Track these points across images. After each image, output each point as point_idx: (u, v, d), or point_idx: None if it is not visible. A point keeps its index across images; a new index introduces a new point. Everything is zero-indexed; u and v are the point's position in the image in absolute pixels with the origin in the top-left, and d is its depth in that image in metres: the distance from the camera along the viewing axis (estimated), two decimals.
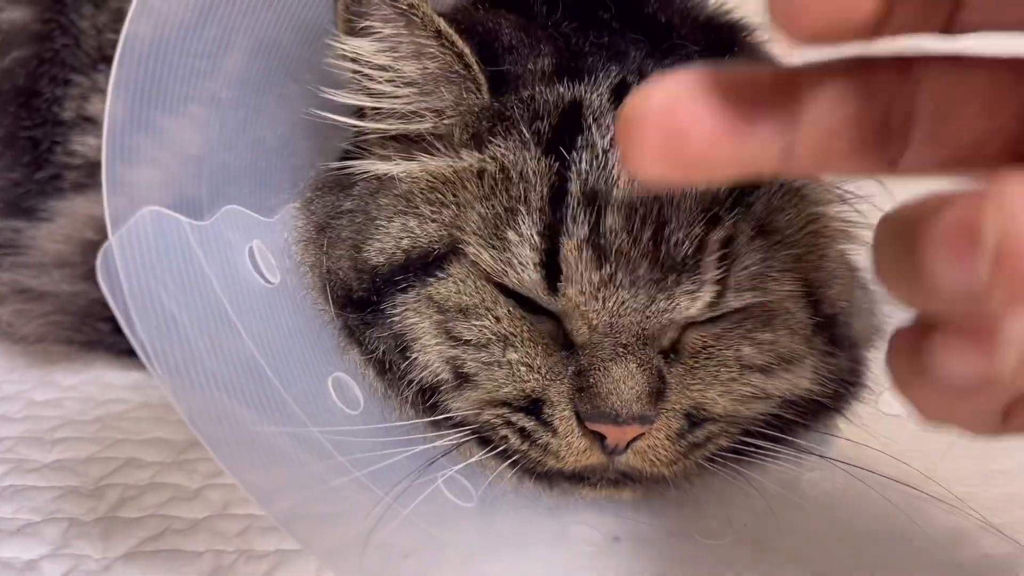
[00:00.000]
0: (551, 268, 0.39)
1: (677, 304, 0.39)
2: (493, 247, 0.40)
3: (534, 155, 0.40)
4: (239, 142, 0.44)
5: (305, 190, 0.47)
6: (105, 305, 0.50)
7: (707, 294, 0.40)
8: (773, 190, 0.42)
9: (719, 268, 0.40)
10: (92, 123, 0.63)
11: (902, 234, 0.25)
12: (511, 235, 0.40)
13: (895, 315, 0.49)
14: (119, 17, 0.65)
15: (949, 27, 0.26)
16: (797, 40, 0.25)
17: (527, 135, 0.41)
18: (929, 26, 0.26)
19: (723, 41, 0.49)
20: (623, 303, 0.39)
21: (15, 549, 0.43)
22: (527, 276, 0.40)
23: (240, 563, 0.42)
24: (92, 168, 0.62)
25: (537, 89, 0.42)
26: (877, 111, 0.27)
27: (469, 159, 0.42)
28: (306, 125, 0.45)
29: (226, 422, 0.36)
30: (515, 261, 0.40)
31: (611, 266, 0.39)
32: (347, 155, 0.46)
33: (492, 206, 0.41)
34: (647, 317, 0.39)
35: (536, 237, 0.39)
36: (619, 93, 0.42)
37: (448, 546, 0.41)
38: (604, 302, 0.39)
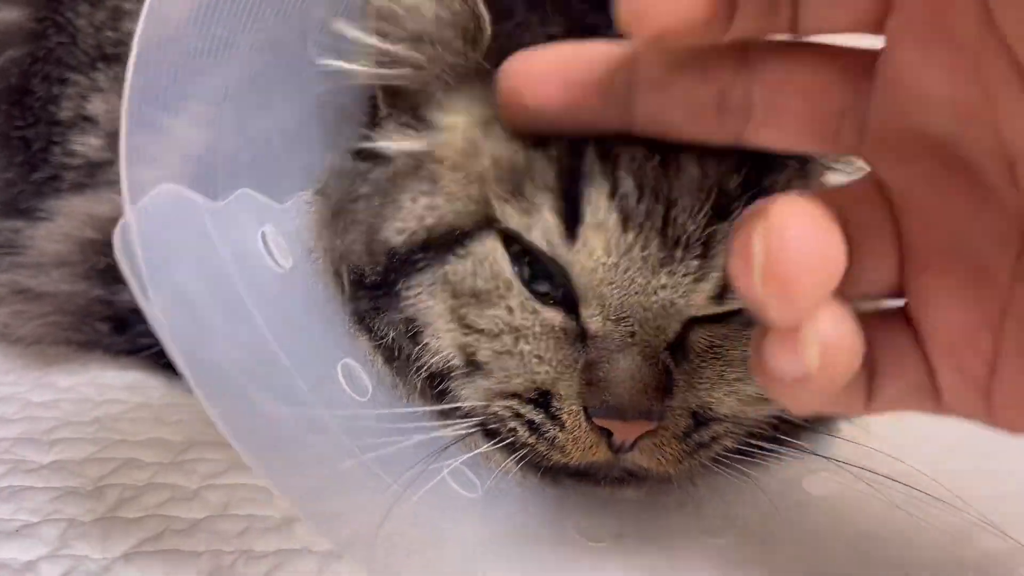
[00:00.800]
0: (571, 214, 0.39)
1: (682, 286, 0.39)
2: (515, 199, 0.39)
3: None
4: (248, 135, 0.44)
5: (320, 176, 0.46)
6: (104, 305, 0.50)
7: (714, 281, 0.39)
8: (779, 188, 0.42)
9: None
10: (91, 122, 0.63)
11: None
12: (528, 185, 0.39)
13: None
14: (117, 15, 0.65)
15: (793, 29, 0.30)
16: (645, 38, 0.29)
17: None
18: (774, 27, 0.30)
19: None
20: (634, 278, 0.39)
21: (13, 550, 0.42)
22: (547, 220, 0.39)
23: (240, 564, 0.42)
24: (91, 168, 0.62)
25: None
26: (711, 94, 0.32)
27: (478, 108, 0.41)
28: (319, 114, 0.45)
29: (243, 407, 0.35)
30: (533, 209, 0.39)
31: (631, 231, 0.38)
32: (365, 137, 0.45)
33: (509, 154, 0.40)
34: (653, 299, 0.39)
35: (555, 178, 0.39)
36: None
37: (450, 541, 0.41)
38: (619, 271, 0.39)
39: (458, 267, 0.41)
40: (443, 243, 0.42)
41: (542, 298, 0.41)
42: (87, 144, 0.62)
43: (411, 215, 0.42)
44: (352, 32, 0.42)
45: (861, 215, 0.30)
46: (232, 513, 0.45)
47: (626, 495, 0.44)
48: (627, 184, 0.38)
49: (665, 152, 0.38)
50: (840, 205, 0.29)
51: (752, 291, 0.26)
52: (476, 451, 0.42)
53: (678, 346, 0.41)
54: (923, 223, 0.30)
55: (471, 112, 0.42)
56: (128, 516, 0.45)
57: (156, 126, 0.40)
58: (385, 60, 0.43)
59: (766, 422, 0.44)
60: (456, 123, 0.43)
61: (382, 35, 0.42)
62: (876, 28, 0.29)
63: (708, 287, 0.40)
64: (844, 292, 0.28)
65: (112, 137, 0.62)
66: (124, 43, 0.63)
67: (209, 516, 0.45)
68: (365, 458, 0.37)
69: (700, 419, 0.41)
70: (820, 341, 0.27)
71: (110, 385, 0.60)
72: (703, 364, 0.41)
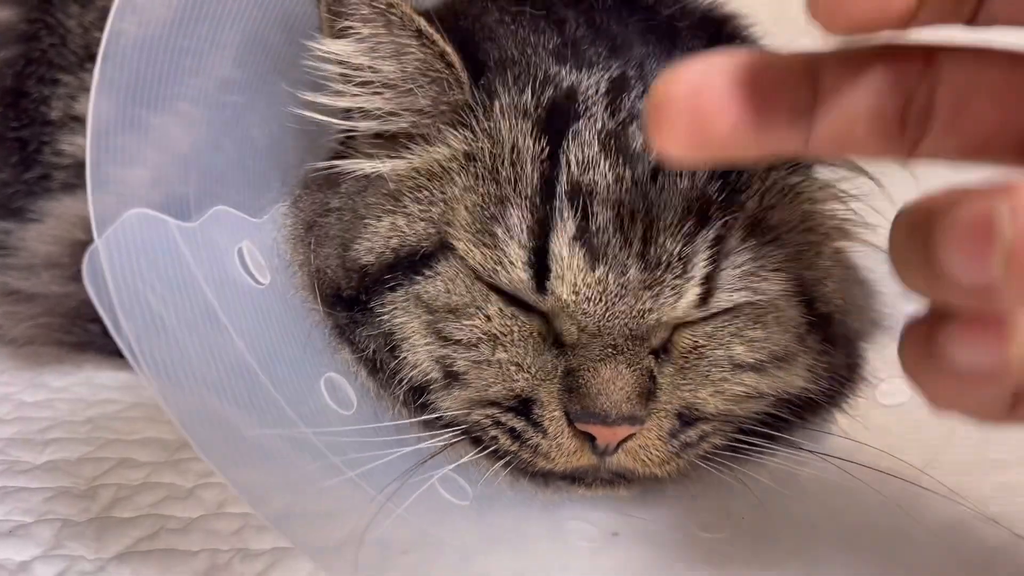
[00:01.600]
0: (540, 267, 0.39)
1: (665, 304, 0.39)
2: (484, 244, 0.40)
3: (527, 131, 0.40)
4: (228, 141, 0.44)
5: (294, 188, 0.46)
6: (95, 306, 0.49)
7: (696, 294, 0.39)
8: (766, 187, 0.42)
9: (709, 267, 0.39)
10: (80, 123, 0.62)
11: (918, 228, 0.25)
12: (499, 231, 0.39)
13: (893, 309, 0.50)
14: (106, 16, 0.65)
15: (974, 20, 0.27)
16: (834, 32, 0.26)
17: (519, 110, 0.40)
18: (956, 18, 0.27)
19: (723, 35, 0.49)
20: (612, 304, 0.39)
21: (8, 551, 0.42)
22: (516, 275, 0.39)
23: (236, 562, 0.42)
24: (81, 168, 0.61)
25: (532, 71, 0.42)
26: (898, 100, 0.28)
27: (457, 143, 0.42)
28: (296, 124, 0.45)
29: (216, 423, 0.36)
30: (504, 259, 0.39)
31: (601, 266, 0.38)
32: (335, 154, 0.46)
33: (481, 195, 0.40)
34: (635, 318, 0.39)
35: (525, 233, 0.39)
36: (617, 86, 0.41)
37: (445, 543, 0.41)
38: (592, 303, 0.39)
39: (429, 287, 0.41)
40: (409, 264, 0.42)
41: (520, 304, 0.41)
42: (76, 144, 0.62)
43: (377, 235, 0.42)
44: (319, 99, 0.43)
45: None
46: (227, 512, 0.46)
47: (619, 495, 0.44)
48: (602, 217, 0.38)
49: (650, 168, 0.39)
50: None
51: (983, 275, 0.23)
52: (461, 460, 0.42)
53: (661, 348, 0.41)
54: None
55: (452, 145, 0.42)
56: (122, 516, 0.45)
57: (141, 125, 0.40)
58: (356, 113, 0.43)
59: (756, 419, 0.44)
60: (432, 152, 0.43)
61: (350, 93, 0.42)
62: None
63: (693, 297, 0.39)
64: None
65: (99, 138, 0.62)
66: None
67: (204, 515, 0.45)
68: (351, 474, 0.37)
69: (686, 419, 0.41)
70: None
71: (104, 385, 0.60)
72: (687, 365, 0.41)
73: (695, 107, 0.28)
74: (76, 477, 0.48)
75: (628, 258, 0.38)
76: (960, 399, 0.27)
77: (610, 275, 0.38)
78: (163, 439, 0.53)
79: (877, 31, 0.26)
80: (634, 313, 0.39)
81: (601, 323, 0.39)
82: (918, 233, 0.25)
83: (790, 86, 0.29)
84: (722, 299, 0.40)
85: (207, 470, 0.49)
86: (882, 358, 0.49)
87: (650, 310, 0.39)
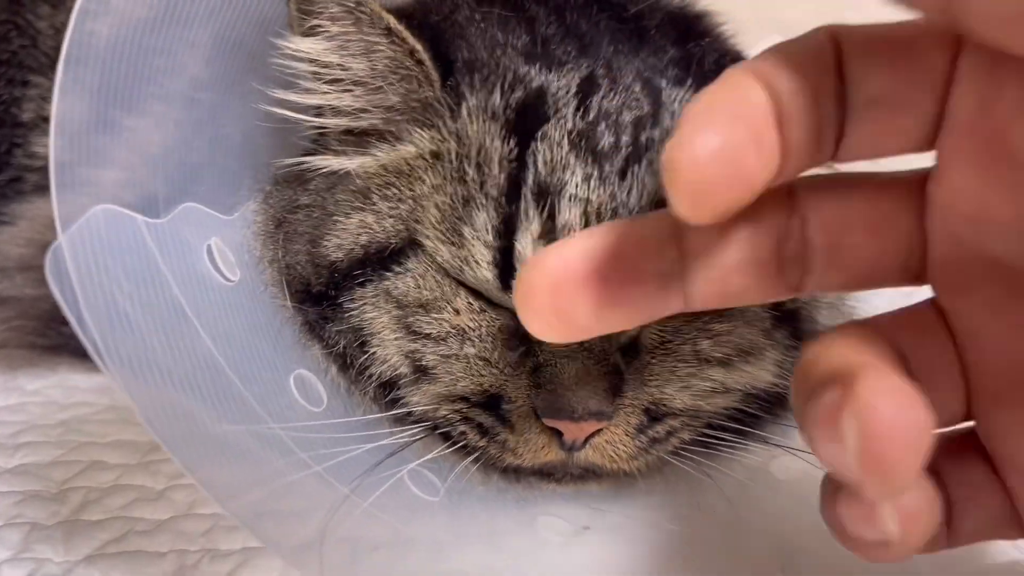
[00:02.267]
0: (505, 266, 0.39)
1: None
2: (451, 243, 0.40)
3: (495, 132, 0.40)
4: (200, 139, 0.44)
5: (264, 184, 0.46)
6: None
7: None
8: None
9: None
10: None
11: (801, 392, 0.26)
12: (466, 231, 0.40)
13: (864, 304, 0.50)
14: None
15: (836, 158, 0.27)
16: (703, 222, 0.25)
17: (488, 111, 0.41)
18: (819, 160, 0.27)
19: (692, 32, 0.50)
20: None
21: None
22: (481, 274, 0.40)
23: (204, 562, 0.41)
24: None
25: (502, 72, 0.42)
26: (767, 246, 0.28)
27: (424, 143, 0.42)
28: (269, 122, 0.44)
29: (184, 420, 0.35)
30: (470, 258, 0.40)
31: None
32: (305, 151, 0.46)
33: (449, 195, 0.40)
34: None
35: (490, 233, 0.39)
36: (586, 86, 0.42)
37: (416, 539, 0.41)
38: None
39: (399, 283, 0.42)
40: (379, 260, 0.42)
41: (488, 299, 0.41)
42: (48, 146, 0.61)
43: (346, 231, 0.43)
44: (290, 97, 0.43)
45: (923, 347, 0.28)
46: (197, 512, 0.45)
47: (589, 490, 0.44)
48: (568, 215, 0.38)
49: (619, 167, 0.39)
50: (900, 335, 0.28)
51: (845, 472, 0.24)
52: (429, 455, 0.42)
53: (628, 344, 0.41)
54: (989, 354, 0.28)
55: (419, 145, 0.42)
56: (91, 518, 0.45)
57: (114, 126, 0.40)
58: (327, 111, 0.43)
59: (725, 414, 0.44)
60: (400, 151, 0.43)
61: (320, 91, 0.42)
62: (925, 148, 0.27)
63: None
64: None
65: (73, 139, 0.62)
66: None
67: (174, 516, 0.45)
68: (317, 468, 0.37)
69: (654, 415, 0.41)
70: (898, 508, 0.26)
71: (77, 388, 0.60)
72: (654, 360, 0.41)
73: (555, 300, 0.28)
74: (46, 480, 0.48)
75: None
76: (878, 559, 0.28)
77: None
78: (135, 441, 0.52)
79: (743, 206, 0.26)
80: None
81: None
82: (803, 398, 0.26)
83: (653, 253, 0.28)
84: None
85: (178, 471, 0.49)
86: None
87: None
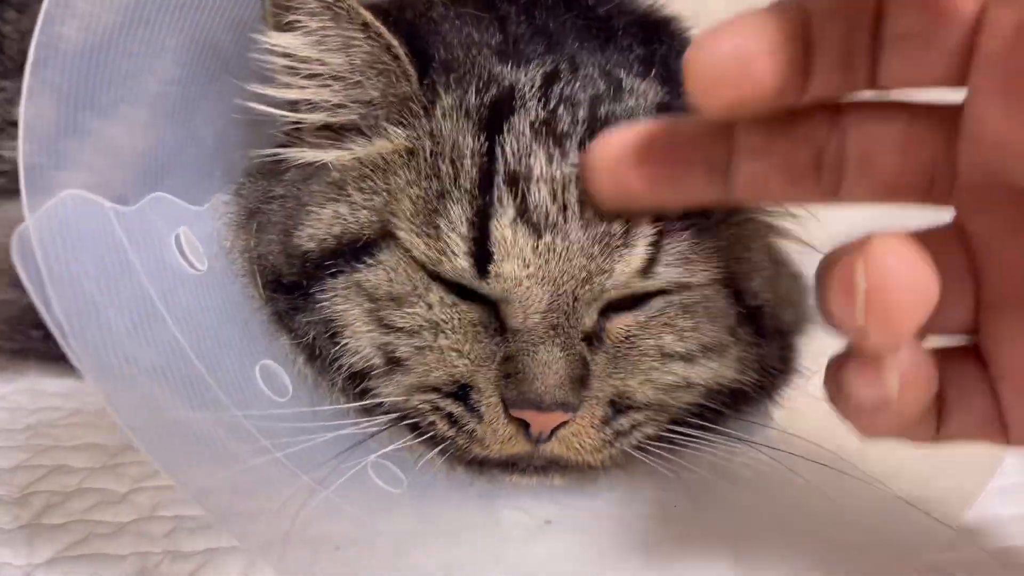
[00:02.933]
0: (481, 255, 0.40)
1: (611, 266, 0.40)
2: (427, 235, 0.41)
3: (468, 129, 0.41)
4: (172, 138, 0.44)
5: (237, 176, 0.46)
6: (37, 311, 0.49)
7: (641, 258, 0.40)
8: None
9: (652, 235, 0.40)
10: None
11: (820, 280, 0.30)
12: (442, 223, 0.40)
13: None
14: None
15: (872, 84, 0.30)
16: (717, 113, 0.29)
17: (462, 110, 0.41)
18: (853, 85, 0.30)
19: (659, 34, 0.50)
20: (562, 270, 0.39)
21: None
22: (458, 264, 0.40)
23: (166, 564, 0.41)
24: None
25: (474, 71, 0.42)
26: (808, 154, 0.32)
27: (399, 139, 0.42)
28: (245, 116, 0.45)
29: (150, 408, 0.35)
30: (447, 250, 0.40)
31: (547, 234, 0.39)
32: (280, 143, 0.46)
33: (423, 189, 0.41)
34: (583, 282, 0.40)
35: (465, 225, 0.40)
36: (550, 79, 0.42)
37: (380, 535, 0.41)
38: (541, 275, 0.39)
39: (370, 276, 0.42)
40: (351, 252, 0.42)
41: (461, 292, 0.41)
42: (16, 149, 0.61)
43: (320, 222, 0.43)
44: (267, 91, 0.43)
45: (942, 259, 0.30)
46: (160, 515, 0.45)
47: (553, 482, 0.45)
48: (539, 195, 0.39)
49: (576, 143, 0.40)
50: (924, 247, 0.30)
51: (852, 321, 0.27)
52: (395, 445, 0.42)
53: (595, 337, 0.41)
54: (1002, 269, 0.31)
55: (394, 141, 0.43)
56: (53, 522, 0.45)
57: (86, 130, 0.40)
58: (303, 105, 0.44)
59: (690, 410, 0.45)
60: (376, 146, 0.43)
61: (297, 85, 0.43)
62: (958, 82, 0.29)
63: (639, 262, 0.40)
64: (921, 328, 0.28)
65: (41, 142, 0.61)
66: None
67: (136, 519, 0.45)
68: (278, 454, 0.37)
69: (618, 408, 0.42)
70: (900, 370, 0.29)
71: (45, 392, 0.59)
72: (619, 354, 0.42)
73: (615, 174, 0.34)
74: (8, 485, 0.47)
75: (569, 224, 0.39)
76: (875, 428, 0.32)
77: (557, 239, 0.39)
78: (102, 444, 0.52)
79: (763, 107, 0.29)
80: (583, 275, 0.40)
81: (551, 297, 0.40)
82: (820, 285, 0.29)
83: (704, 144, 0.33)
84: (662, 273, 0.41)
85: (143, 474, 0.49)
86: (814, 351, 0.50)
87: (600, 270, 0.40)
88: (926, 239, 0.31)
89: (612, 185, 0.35)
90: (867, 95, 0.31)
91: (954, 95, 0.30)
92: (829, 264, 0.29)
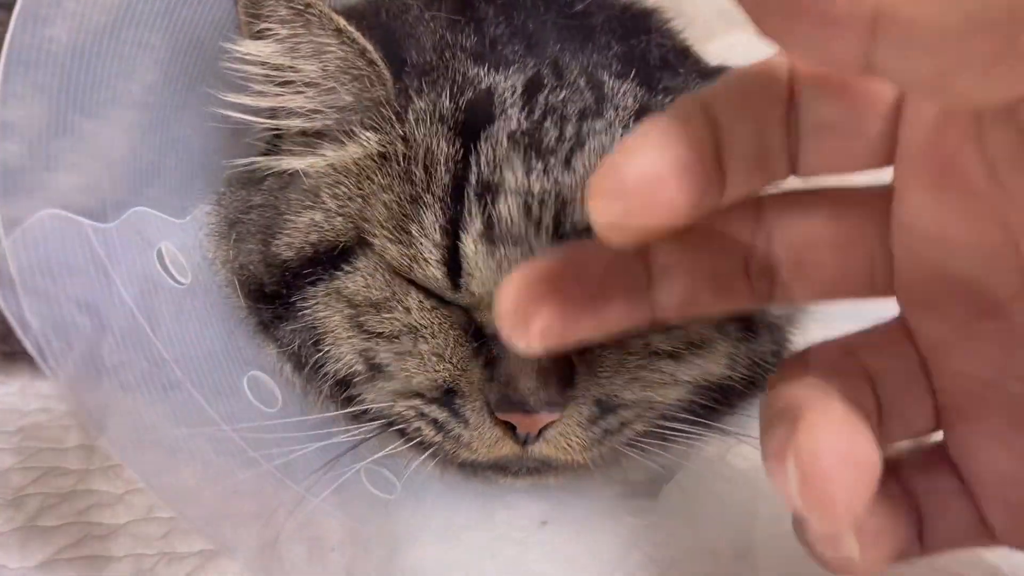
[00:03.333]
0: (453, 265, 0.39)
1: None
2: (400, 241, 0.40)
3: (442, 134, 0.40)
4: (154, 143, 0.44)
5: (217, 186, 0.46)
6: None
7: None
8: None
9: None
10: (8, 128, 0.61)
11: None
12: (414, 229, 0.40)
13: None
14: None
15: (795, 172, 0.27)
16: (627, 246, 0.25)
17: (436, 114, 0.41)
18: (774, 177, 0.27)
19: (639, 28, 0.50)
20: None
21: None
22: (431, 272, 0.40)
23: (161, 565, 0.41)
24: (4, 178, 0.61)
25: (447, 74, 0.42)
26: (734, 263, 0.29)
27: (372, 144, 0.42)
28: (225, 125, 0.44)
29: (135, 425, 0.35)
30: (419, 257, 0.40)
31: (508, 252, 0.39)
32: (260, 152, 0.46)
33: (397, 194, 0.41)
34: None
35: (438, 233, 0.39)
36: (531, 86, 0.42)
37: (375, 537, 0.41)
38: None
39: (349, 282, 0.42)
40: (329, 259, 0.42)
41: (439, 296, 0.41)
42: (4, 150, 0.61)
43: (297, 230, 0.43)
44: (243, 100, 0.43)
45: (891, 364, 0.29)
46: (156, 516, 0.45)
47: (546, 483, 0.45)
48: (506, 209, 0.38)
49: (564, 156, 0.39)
50: (869, 355, 0.28)
51: (792, 503, 0.25)
52: (385, 451, 0.42)
53: None
54: (953, 371, 0.29)
55: (366, 146, 0.42)
56: (48, 524, 0.45)
57: (70, 130, 0.39)
58: (280, 112, 0.43)
59: (680, 406, 0.44)
60: (349, 151, 0.43)
61: (272, 93, 0.42)
62: (887, 162, 0.27)
63: None
64: (880, 440, 0.26)
65: (31, 144, 0.61)
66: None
67: (132, 520, 0.45)
68: (268, 465, 0.37)
69: (605, 406, 0.41)
70: (863, 533, 0.27)
71: (38, 395, 0.59)
72: (604, 352, 0.42)
73: (522, 316, 0.28)
74: (2, 487, 0.48)
75: (540, 239, 0.39)
76: (850, 571, 0.29)
77: (524, 257, 0.39)
78: (97, 447, 0.52)
79: (677, 225, 0.25)
80: None
81: None
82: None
83: (619, 270, 0.29)
84: None
85: None
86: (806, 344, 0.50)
87: None
88: (870, 342, 0.29)
89: (524, 326, 0.28)
90: (790, 183, 0.28)
91: (884, 174, 0.28)
92: (762, 426, 0.26)
